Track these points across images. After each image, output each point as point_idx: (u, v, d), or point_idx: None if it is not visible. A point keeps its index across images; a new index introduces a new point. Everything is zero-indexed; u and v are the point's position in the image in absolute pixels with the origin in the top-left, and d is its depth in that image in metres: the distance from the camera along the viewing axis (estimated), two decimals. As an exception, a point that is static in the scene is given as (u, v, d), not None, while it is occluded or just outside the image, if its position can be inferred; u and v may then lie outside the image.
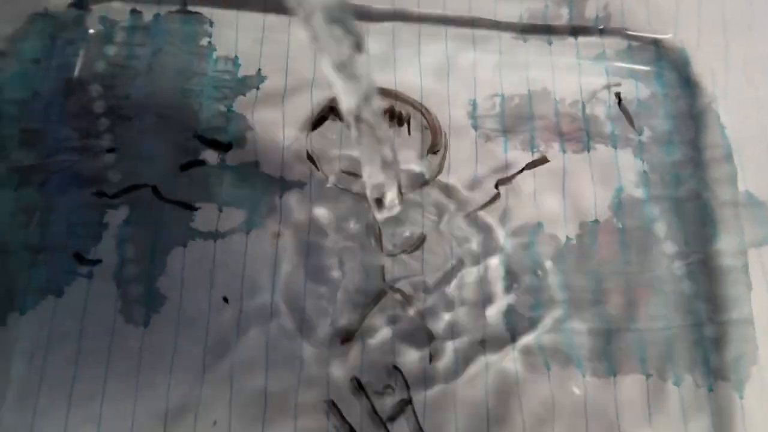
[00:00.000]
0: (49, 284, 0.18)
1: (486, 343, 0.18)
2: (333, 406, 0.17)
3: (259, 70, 0.20)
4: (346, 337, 0.18)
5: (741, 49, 0.20)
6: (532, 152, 0.20)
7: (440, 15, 0.21)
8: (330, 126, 0.20)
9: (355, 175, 0.19)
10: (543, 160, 0.19)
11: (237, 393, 0.17)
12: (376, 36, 0.20)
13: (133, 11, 0.21)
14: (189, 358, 0.17)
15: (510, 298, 0.18)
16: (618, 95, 0.19)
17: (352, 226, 0.19)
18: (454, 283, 0.18)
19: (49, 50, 0.20)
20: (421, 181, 0.19)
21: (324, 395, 0.17)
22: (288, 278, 0.18)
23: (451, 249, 0.18)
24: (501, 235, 0.19)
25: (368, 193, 0.17)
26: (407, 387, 0.17)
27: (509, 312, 0.18)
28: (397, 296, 0.18)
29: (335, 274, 0.18)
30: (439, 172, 0.19)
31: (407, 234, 0.18)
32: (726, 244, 0.19)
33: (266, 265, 0.18)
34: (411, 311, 0.18)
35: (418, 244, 0.18)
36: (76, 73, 0.20)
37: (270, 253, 0.18)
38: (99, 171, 0.19)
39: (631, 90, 0.20)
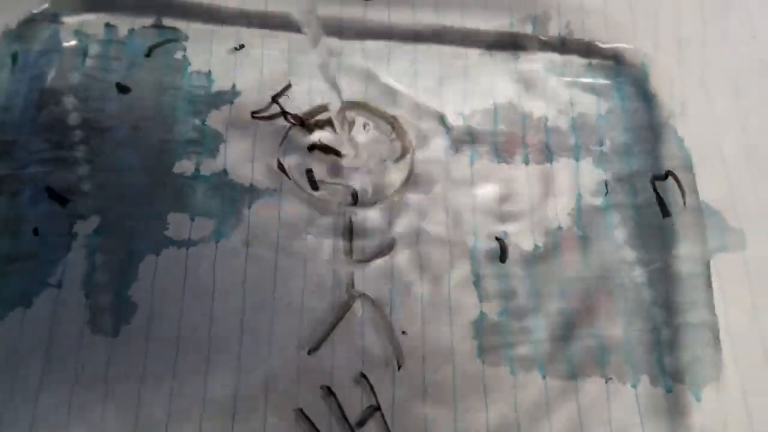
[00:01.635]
0: (18, 295, 0.18)
1: (454, 350, 0.18)
2: (302, 414, 0.17)
3: (234, 85, 0.21)
4: (315, 345, 0.18)
5: (696, 65, 0.21)
6: (498, 162, 0.20)
7: (411, 30, 0.22)
8: (300, 138, 0.20)
9: (325, 182, 0.19)
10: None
11: (208, 402, 0.17)
12: (349, 51, 0.21)
13: (108, 25, 0.21)
14: (160, 368, 0.17)
15: (480, 306, 0.19)
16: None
17: (321, 233, 0.19)
18: (423, 289, 0.19)
19: (23, 62, 0.21)
20: (390, 188, 0.19)
21: (294, 403, 0.17)
22: (257, 286, 0.18)
23: (420, 256, 0.19)
24: (469, 242, 0.19)
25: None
26: (374, 393, 0.17)
27: (478, 319, 0.18)
28: (366, 304, 0.18)
29: (304, 282, 0.18)
30: (407, 179, 0.20)
31: (377, 241, 0.19)
32: (680, 251, 0.19)
33: (236, 273, 0.19)
34: (379, 318, 0.18)
35: (387, 249, 0.19)
36: (49, 84, 0.20)
37: (239, 261, 0.19)
38: (72, 182, 0.19)
39: (592, 103, 0.21)
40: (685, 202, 0.19)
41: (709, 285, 0.19)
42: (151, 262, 0.19)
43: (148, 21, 0.21)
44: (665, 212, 0.20)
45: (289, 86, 0.21)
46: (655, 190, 0.20)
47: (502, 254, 0.18)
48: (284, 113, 0.20)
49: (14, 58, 0.20)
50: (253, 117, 0.20)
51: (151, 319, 0.18)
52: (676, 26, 0.21)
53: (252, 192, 0.20)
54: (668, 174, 0.20)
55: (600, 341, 0.18)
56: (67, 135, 0.20)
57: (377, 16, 0.22)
